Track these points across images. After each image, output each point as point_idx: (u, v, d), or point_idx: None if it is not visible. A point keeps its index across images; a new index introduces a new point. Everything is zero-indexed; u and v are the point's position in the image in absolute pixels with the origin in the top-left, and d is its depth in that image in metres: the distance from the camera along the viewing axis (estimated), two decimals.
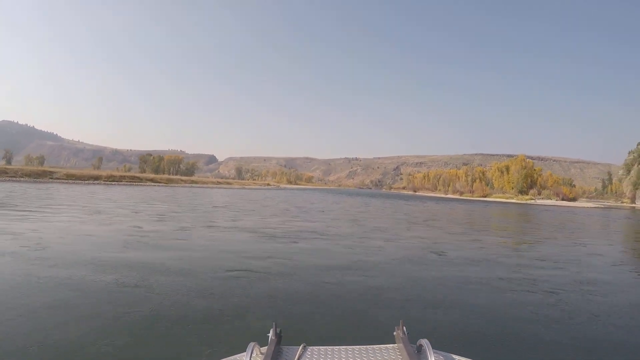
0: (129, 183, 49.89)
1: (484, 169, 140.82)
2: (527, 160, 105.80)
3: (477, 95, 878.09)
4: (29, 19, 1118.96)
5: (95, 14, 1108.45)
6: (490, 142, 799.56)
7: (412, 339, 1.20)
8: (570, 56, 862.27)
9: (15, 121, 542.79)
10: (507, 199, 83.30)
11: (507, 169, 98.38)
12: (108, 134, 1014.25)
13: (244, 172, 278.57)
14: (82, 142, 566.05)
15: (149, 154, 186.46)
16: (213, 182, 71.20)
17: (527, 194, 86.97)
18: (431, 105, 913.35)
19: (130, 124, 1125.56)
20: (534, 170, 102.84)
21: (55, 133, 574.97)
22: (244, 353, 1.04)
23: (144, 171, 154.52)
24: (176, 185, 55.33)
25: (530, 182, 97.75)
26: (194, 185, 58.26)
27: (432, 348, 1.05)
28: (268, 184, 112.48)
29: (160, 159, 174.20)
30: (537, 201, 74.54)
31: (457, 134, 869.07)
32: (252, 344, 1.07)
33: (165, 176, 65.75)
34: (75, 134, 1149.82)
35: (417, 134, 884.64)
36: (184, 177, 67.31)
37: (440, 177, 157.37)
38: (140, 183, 52.31)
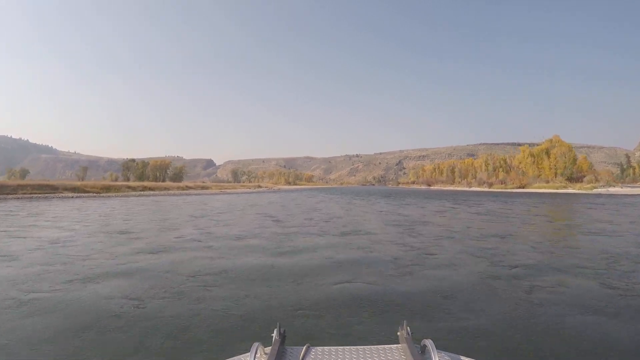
0: (27, 196, 32.89)
1: (505, 156, 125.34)
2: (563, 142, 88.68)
3: (475, 85, 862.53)
4: (23, 32, 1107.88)
5: (91, 24, 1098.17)
6: (491, 132, 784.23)
7: (416, 339, 1.17)
8: (569, 42, 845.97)
9: (9, 136, 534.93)
10: (557, 188, 66.17)
11: (547, 153, 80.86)
12: (105, 144, 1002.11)
13: (240, 174, 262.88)
14: (78, 154, 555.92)
15: (132, 159, 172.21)
16: (181, 188, 54.37)
17: (580, 181, 69.56)
18: (430, 98, 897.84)
19: (128, 133, 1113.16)
20: None
21: (50, 146, 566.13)
22: (248, 353, 1.02)
23: (127, 179, 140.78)
24: (115, 195, 38.62)
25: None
26: (145, 194, 41.44)
27: (436, 348, 1.03)
28: (259, 186, 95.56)
29: (145, 164, 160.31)
30: (610, 190, 56.96)
31: (458, 125, 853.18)
32: (256, 344, 1.05)
33: (103, 182, 48.53)
34: (71, 145, 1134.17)
35: (417, 127, 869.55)
36: (133, 184, 50.56)
37: (454, 169, 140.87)
38: (52, 194, 35.38)
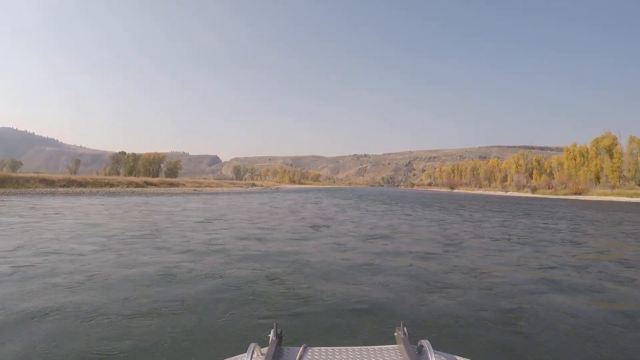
0: None
1: (538, 156, 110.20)
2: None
3: (482, 87, 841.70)
4: (33, 25, 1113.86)
5: (99, 18, 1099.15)
6: (498, 135, 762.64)
7: (412, 339, 1.15)
8: (580, 48, 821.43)
9: (15, 128, 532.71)
10: (631, 196, 50.46)
11: (609, 152, 64.77)
12: (111, 138, 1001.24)
13: (243, 171, 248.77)
14: (83, 147, 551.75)
15: (123, 152, 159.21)
16: (135, 184, 40.47)
17: None
18: (437, 99, 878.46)
19: (134, 128, 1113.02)
20: None
21: (55, 139, 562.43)
22: (245, 354, 1.02)
23: (117, 172, 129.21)
24: (11, 192, 24.89)
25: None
26: (60, 192, 27.59)
27: (433, 349, 1.02)
28: (253, 184, 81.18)
29: (136, 158, 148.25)
30: None
31: (467, 127, 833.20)
32: (252, 344, 1.05)
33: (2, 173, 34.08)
34: (76, 139, 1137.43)
35: (427, 128, 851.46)
36: (54, 176, 36.71)
37: (478, 170, 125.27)
38: None
